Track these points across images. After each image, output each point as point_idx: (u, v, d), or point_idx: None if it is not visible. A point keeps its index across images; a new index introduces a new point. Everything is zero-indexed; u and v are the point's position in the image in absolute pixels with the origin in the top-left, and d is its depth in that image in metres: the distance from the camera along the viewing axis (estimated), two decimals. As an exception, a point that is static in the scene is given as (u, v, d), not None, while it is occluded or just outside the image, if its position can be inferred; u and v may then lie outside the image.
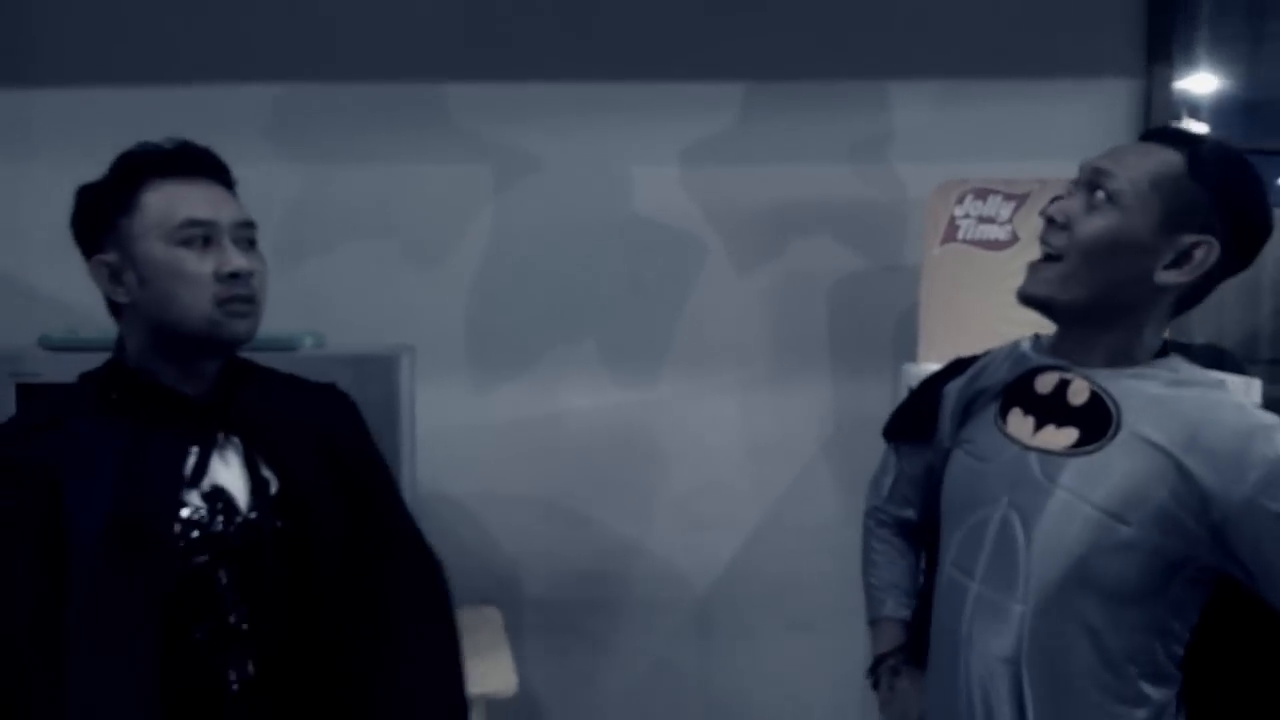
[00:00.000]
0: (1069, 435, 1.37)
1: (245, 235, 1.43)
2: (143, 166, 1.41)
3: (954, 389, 1.56)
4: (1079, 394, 1.38)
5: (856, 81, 2.70)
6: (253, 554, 1.40)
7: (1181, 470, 1.29)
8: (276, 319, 2.37)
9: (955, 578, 1.45)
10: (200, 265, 1.37)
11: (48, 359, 2.00)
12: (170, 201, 1.38)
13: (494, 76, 2.69)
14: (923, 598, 1.68)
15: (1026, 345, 1.49)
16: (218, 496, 1.39)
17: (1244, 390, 2.15)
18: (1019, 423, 1.43)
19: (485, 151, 2.70)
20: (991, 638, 1.38)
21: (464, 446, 2.69)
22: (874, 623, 1.77)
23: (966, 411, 1.52)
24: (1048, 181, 2.44)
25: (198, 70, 2.65)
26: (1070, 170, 2.50)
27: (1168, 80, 2.72)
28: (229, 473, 1.42)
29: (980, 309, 2.09)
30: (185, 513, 1.37)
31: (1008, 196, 2.43)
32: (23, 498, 1.30)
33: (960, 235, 2.41)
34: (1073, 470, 1.35)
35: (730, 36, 2.69)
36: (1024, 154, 2.63)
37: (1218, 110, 3.27)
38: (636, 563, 2.77)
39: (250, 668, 1.40)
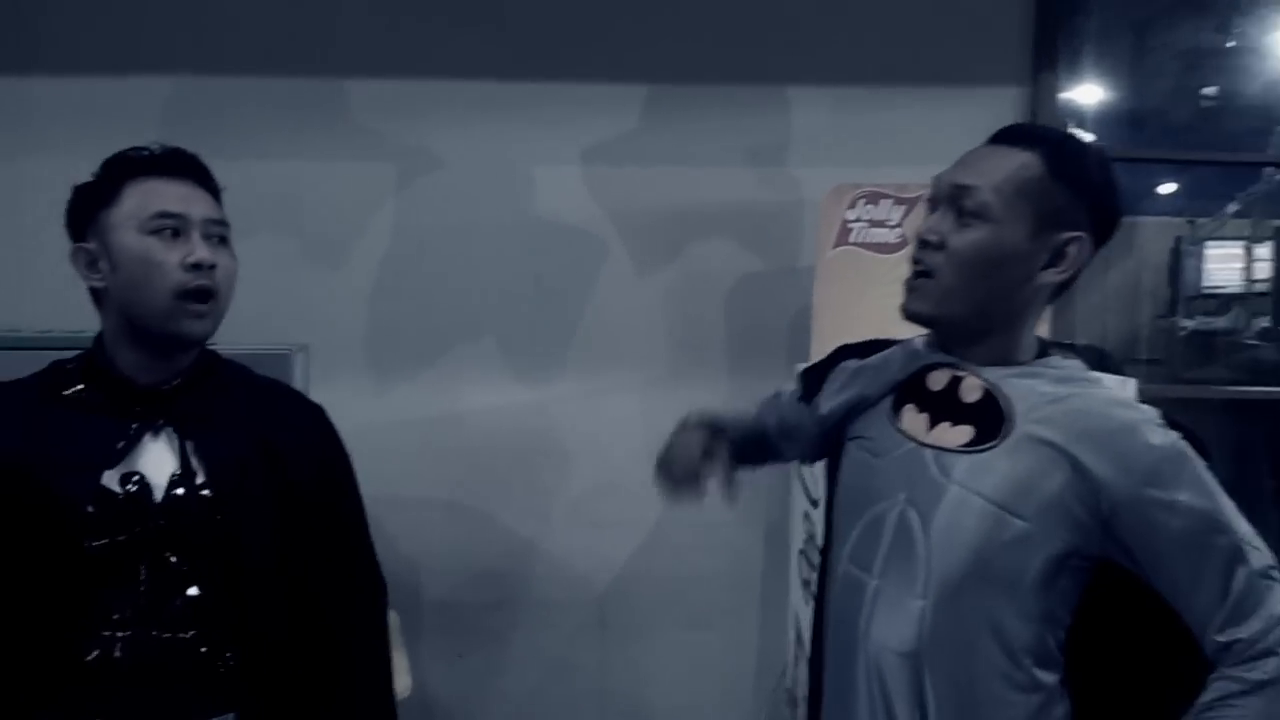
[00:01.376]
0: (964, 433, 1.37)
1: (216, 232, 1.50)
2: (128, 164, 1.49)
3: (851, 365, 1.56)
4: (971, 391, 1.38)
5: (754, 86, 2.71)
6: (180, 536, 1.43)
7: (1076, 465, 1.30)
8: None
9: (852, 573, 1.43)
10: (167, 254, 1.43)
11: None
12: (147, 195, 1.46)
13: (396, 73, 2.64)
14: (818, 593, 1.67)
15: (919, 343, 1.49)
16: (129, 479, 1.42)
17: (1120, 389, 2.20)
18: (913, 419, 1.42)
19: (386, 149, 2.66)
20: (891, 633, 1.37)
21: (362, 447, 2.56)
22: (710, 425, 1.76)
23: (860, 404, 1.50)
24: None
25: (88, 63, 2.57)
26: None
27: (1053, 88, 2.78)
28: (154, 459, 1.45)
29: (872, 310, 2.08)
30: (105, 487, 1.42)
31: (898, 201, 2.46)
32: None
33: (852, 238, 2.43)
34: (967, 466, 1.35)
35: (632, 39, 2.68)
36: (915, 159, 2.60)
37: (1101, 119, 3.35)
38: (536, 562, 2.74)
39: (200, 643, 1.44)
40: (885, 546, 1.39)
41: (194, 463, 1.45)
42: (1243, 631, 1.27)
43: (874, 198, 2.47)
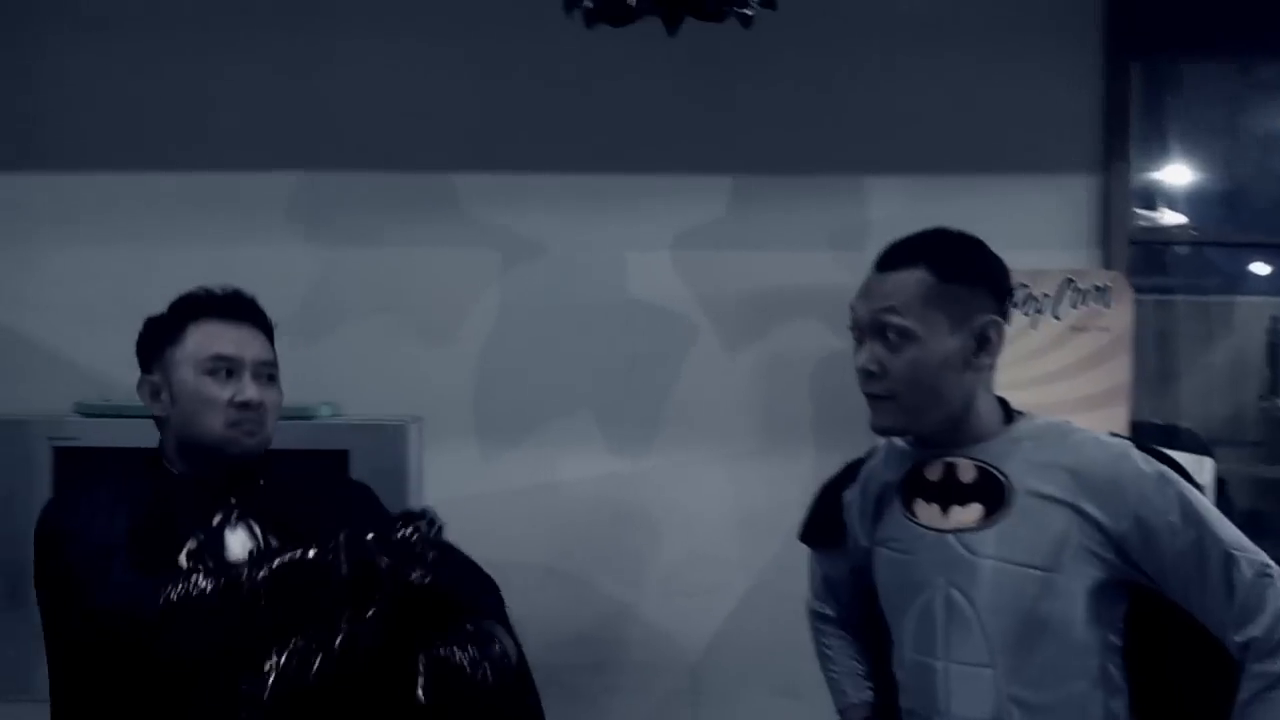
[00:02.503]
0: (975, 511, 1.48)
1: (266, 371, 1.67)
2: (193, 306, 1.65)
3: (854, 496, 1.68)
4: (966, 472, 1.50)
5: (834, 175, 2.81)
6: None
7: (1078, 511, 1.42)
8: (295, 391, 2.46)
9: (920, 661, 1.52)
10: (220, 392, 1.60)
11: (84, 425, 2.08)
12: (206, 338, 1.62)
13: (500, 167, 2.80)
14: (880, 688, 1.74)
15: (901, 442, 1.60)
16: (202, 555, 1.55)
17: (1197, 469, 2.24)
18: (927, 511, 1.53)
19: (491, 237, 2.81)
20: (970, 705, 1.46)
21: (468, 512, 2.65)
22: (842, 711, 1.83)
23: (877, 512, 1.61)
24: (1012, 271, 2.54)
25: (225, 157, 2.77)
26: (1031, 260, 2.61)
27: (1125, 175, 2.83)
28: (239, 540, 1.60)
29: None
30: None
31: (975, 284, 2.53)
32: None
33: (931, 319, 2.50)
34: (991, 539, 1.46)
35: (720, 132, 2.80)
36: (991, 244, 2.73)
37: (1189, 200, 3.36)
38: (630, 627, 2.80)
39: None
40: (941, 629, 1.49)
41: (261, 536, 1.61)
42: (1256, 630, 1.37)
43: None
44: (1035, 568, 1.42)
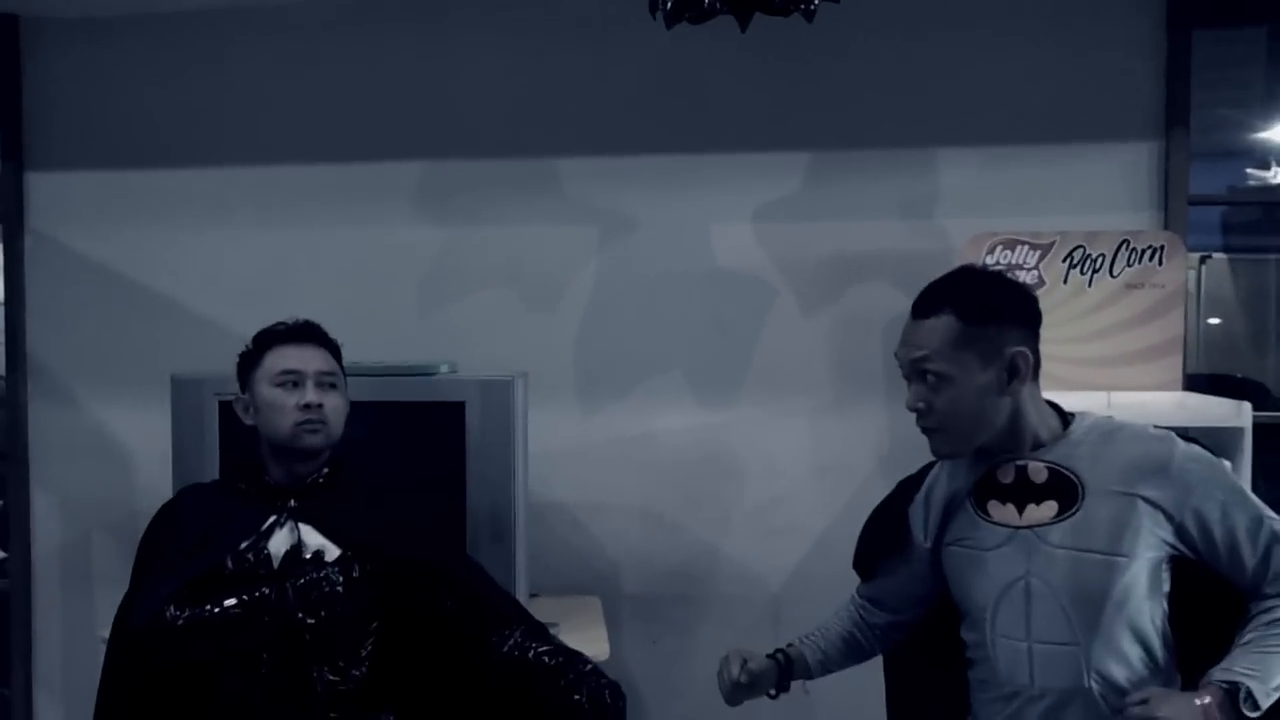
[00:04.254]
0: (1050, 507, 1.62)
1: (326, 380, 1.92)
2: (268, 337, 1.95)
3: (919, 504, 1.80)
4: (1038, 474, 1.64)
5: (904, 149, 2.91)
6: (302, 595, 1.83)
7: (1142, 499, 1.57)
8: (420, 351, 2.71)
9: (1008, 642, 1.64)
10: (287, 399, 1.88)
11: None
12: (277, 359, 1.91)
13: (597, 152, 2.97)
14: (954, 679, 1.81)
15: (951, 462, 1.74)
16: (260, 550, 1.86)
17: (1235, 413, 2.33)
18: (1002, 511, 1.66)
19: (590, 214, 2.98)
20: (1058, 679, 1.60)
21: (572, 462, 2.94)
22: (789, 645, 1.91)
23: (945, 517, 1.74)
24: (1068, 233, 2.63)
25: (362, 149, 3.00)
26: (1097, 222, 2.66)
27: (1183, 140, 2.85)
28: (281, 538, 1.88)
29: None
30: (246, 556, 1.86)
31: (1033, 246, 2.63)
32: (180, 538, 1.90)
33: (991, 279, 2.60)
34: (1065, 532, 1.60)
35: (794, 112, 2.93)
36: (1054, 210, 2.81)
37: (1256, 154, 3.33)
38: (717, 564, 2.97)
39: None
40: (1025, 614, 1.62)
41: (315, 539, 1.88)
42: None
43: (1011, 244, 2.64)
44: (1107, 553, 1.56)
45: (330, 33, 3.00)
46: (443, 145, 3.00)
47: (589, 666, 1.89)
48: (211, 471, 2.32)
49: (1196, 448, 1.62)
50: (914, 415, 1.66)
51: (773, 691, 1.83)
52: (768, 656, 1.84)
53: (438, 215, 3.01)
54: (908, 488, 1.86)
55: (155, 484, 2.62)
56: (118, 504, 3.00)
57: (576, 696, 1.84)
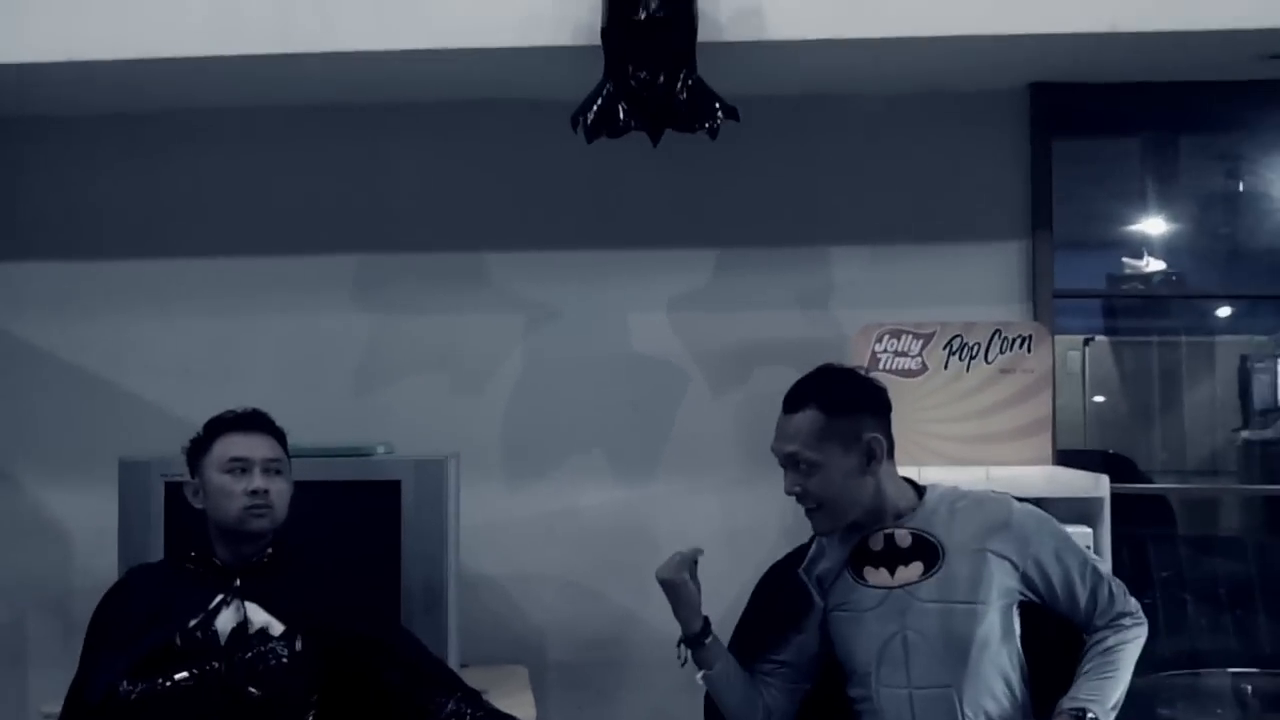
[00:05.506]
0: (917, 568, 1.81)
1: (273, 466, 1.97)
2: (218, 424, 2.00)
3: (813, 574, 1.93)
4: (904, 540, 1.84)
5: (802, 247, 3.09)
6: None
7: (992, 553, 1.78)
8: (355, 433, 2.78)
9: (889, 691, 1.80)
10: (235, 485, 1.92)
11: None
12: (226, 446, 1.96)
13: (523, 247, 3.09)
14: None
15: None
16: (207, 627, 1.90)
17: (1094, 485, 2.54)
18: (876, 575, 1.84)
19: (516, 305, 3.09)
20: (937, 716, 1.76)
21: (500, 536, 2.99)
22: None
23: (825, 586, 1.90)
24: (947, 323, 2.84)
25: (301, 242, 3.09)
26: (967, 315, 2.84)
27: (1048, 239, 3.07)
28: (228, 615, 1.92)
29: (898, 424, 2.39)
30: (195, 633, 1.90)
31: (916, 335, 2.82)
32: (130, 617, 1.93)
33: (881, 366, 2.77)
34: (932, 587, 1.79)
35: (703, 211, 3.08)
36: (935, 302, 2.99)
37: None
38: (637, 630, 3.00)
39: None
40: (904, 663, 1.78)
41: (259, 617, 1.92)
42: (1116, 609, 1.78)
43: (896, 333, 2.82)
44: (968, 602, 1.75)
45: (271, 135, 3.11)
46: (377, 239, 3.10)
47: None
48: (157, 551, 2.37)
49: (1029, 505, 1.85)
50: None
51: (685, 646, 1.95)
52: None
53: (372, 304, 3.10)
54: (793, 562, 2.00)
55: (94, 563, 2.64)
56: (56, 583, 3.00)
57: None
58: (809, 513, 1.84)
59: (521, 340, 3.10)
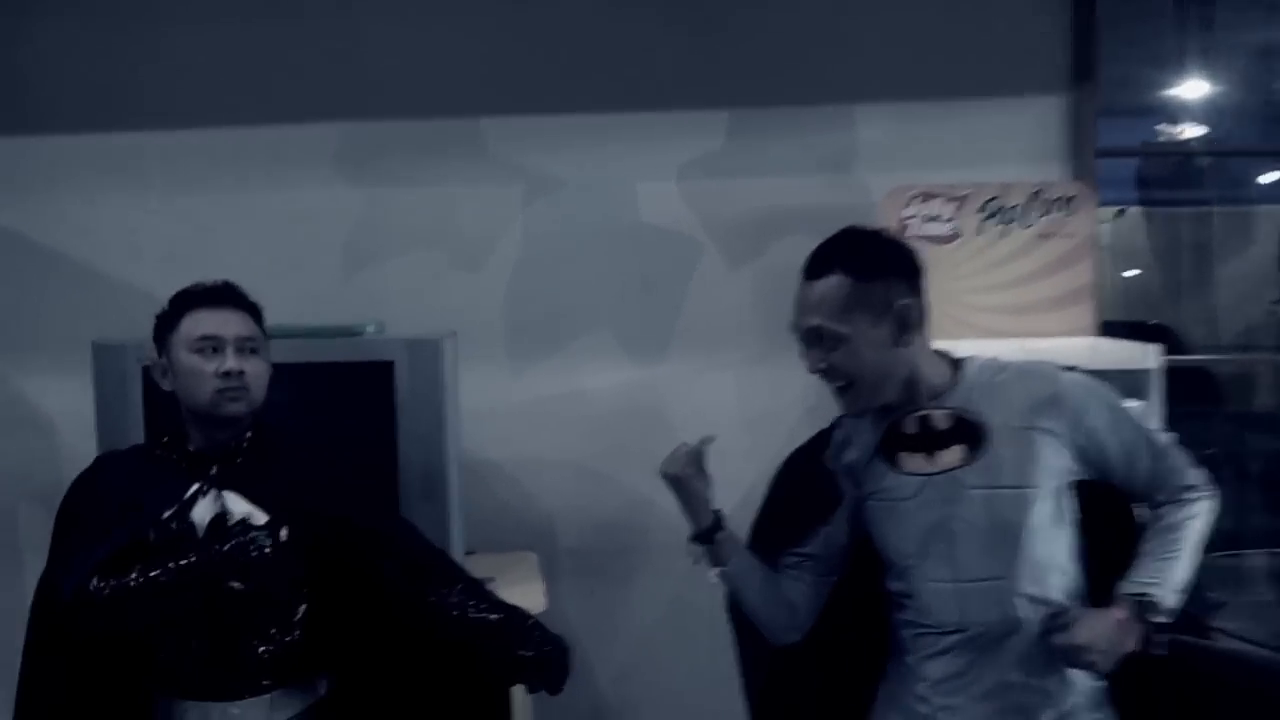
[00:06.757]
0: (958, 451, 1.61)
1: (247, 345, 1.79)
2: (185, 299, 1.82)
3: (840, 462, 1.73)
4: (941, 421, 1.63)
5: (823, 106, 2.88)
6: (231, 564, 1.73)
7: (1041, 430, 1.58)
8: (345, 314, 2.62)
9: (934, 587, 1.62)
10: (206, 366, 1.75)
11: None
12: (195, 323, 1.78)
13: (521, 110, 2.89)
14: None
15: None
16: (183, 520, 1.75)
17: (1142, 355, 2.35)
18: (913, 461, 1.64)
19: (515, 174, 2.91)
20: (986, 613, 1.58)
21: (503, 421, 2.88)
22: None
23: (857, 472, 1.70)
24: (982, 185, 2.63)
25: (280, 111, 2.89)
26: (1007, 174, 2.65)
27: (1092, 93, 2.86)
28: (205, 506, 1.77)
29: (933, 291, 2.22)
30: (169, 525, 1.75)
31: (949, 199, 2.62)
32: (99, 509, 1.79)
33: (909, 232, 2.59)
34: (977, 472, 1.59)
35: (716, 69, 2.87)
36: (966, 163, 2.81)
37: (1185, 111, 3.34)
38: (651, 515, 2.84)
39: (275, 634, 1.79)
40: (950, 556, 1.60)
41: (230, 512, 1.76)
42: (1179, 481, 1.61)
43: (927, 196, 2.63)
44: (1017, 486, 1.56)
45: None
46: (362, 106, 2.90)
47: (531, 621, 1.84)
48: (136, 439, 2.20)
49: (1078, 373, 1.64)
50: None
51: (699, 536, 1.82)
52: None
53: (359, 177, 2.92)
54: (816, 448, 1.82)
55: (80, 451, 2.51)
56: (43, 473, 2.85)
57: (521, 652, 1.79)
58: (838, 392, 1.64)
59: (521, 212, 2.93)
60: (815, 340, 1.62)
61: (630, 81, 2.89)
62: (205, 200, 2.91)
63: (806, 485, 1.81)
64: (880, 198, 2.70)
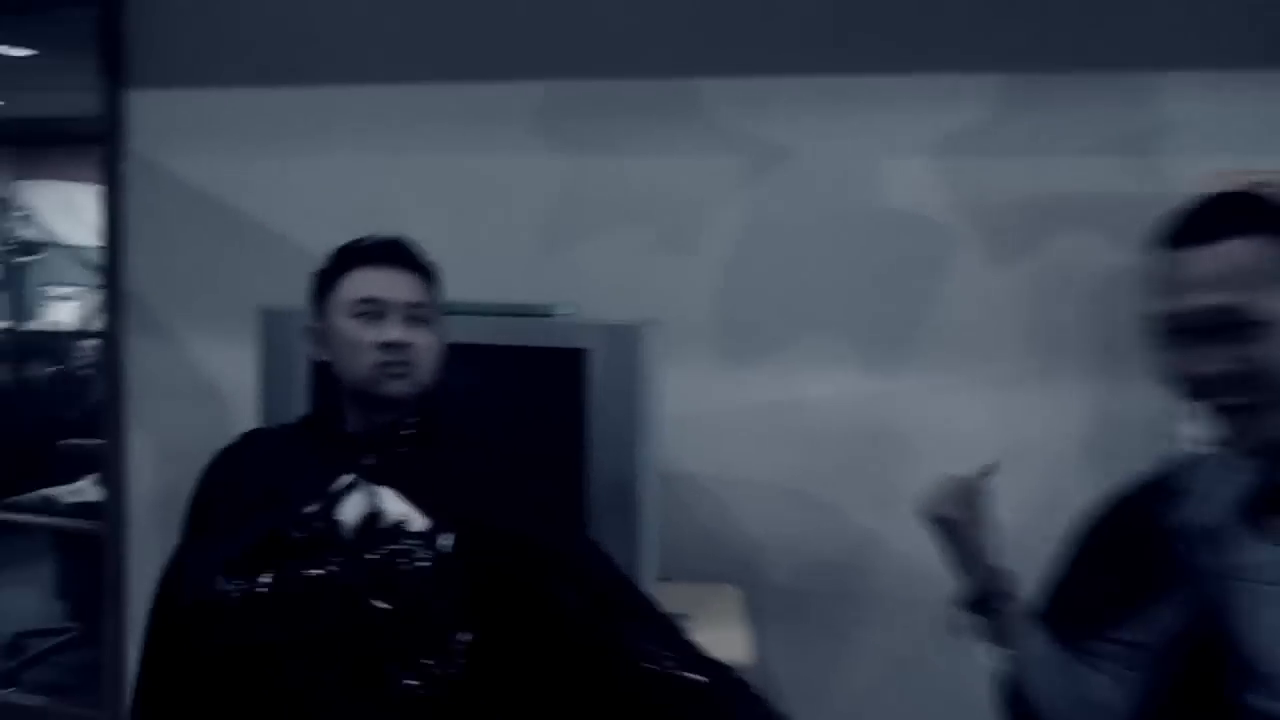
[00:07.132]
0: None
1: (416, 313, 1.57)
2: (348, 255, 1.62)
3: (1185, 521, 1.29)
4: None
5: (1118, 72, 2.40)
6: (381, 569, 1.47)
7: None
8: (537, 292, 2.39)
9: None
10: (366, 334, 1.54)
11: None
12: (356, 284, 1.58)
13: (746, 71, 2.56)
14: None
15: (1221, 457, 1.27)
16: (324, 517, 1.50)
17: None
18: None
19: (737, 144, 2.57)
20: None
21: (709, 428, 2.55)
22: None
23: (1213, 537, 1.26)
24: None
25: (478, 67, 2.69)
26: None
27: None
28: (355, 503, 1.52)
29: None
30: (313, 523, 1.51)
31: (1292, 183, 2.11)
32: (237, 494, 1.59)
33: (1236, 223, 2.10)
34: None
35: (987, 23, 2.45)
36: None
37: None
38: (881, 557, 2.52)
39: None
40: None
41: (383, 512, 1.51)
42: None
43: (1254, 187, 2.13)
44: None
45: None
46: (568, 64, 2.65)
47: (749, 690, 1.48)
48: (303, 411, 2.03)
49: None
50: (1192, 387, 1.21)
51: (977, 603, 1.46)
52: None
53: (561, 142, 2.65)
54: (1149, 498, 1.36)
55: (251, 424, 2.39)
56: (215, 444, 2.76)
57: None
58: (1230, 414, 1.20)
59: (743, 187, 2.58)
60: (1212, 332, 1.18)
61: (878, 37, 2.51)
62: (392, 161, 2.75)
63: (1130, 548, 1.35)
64: (1188, 186, 2.21)
